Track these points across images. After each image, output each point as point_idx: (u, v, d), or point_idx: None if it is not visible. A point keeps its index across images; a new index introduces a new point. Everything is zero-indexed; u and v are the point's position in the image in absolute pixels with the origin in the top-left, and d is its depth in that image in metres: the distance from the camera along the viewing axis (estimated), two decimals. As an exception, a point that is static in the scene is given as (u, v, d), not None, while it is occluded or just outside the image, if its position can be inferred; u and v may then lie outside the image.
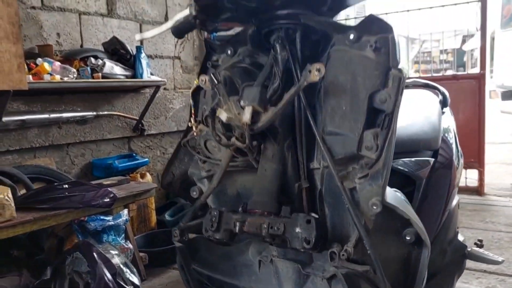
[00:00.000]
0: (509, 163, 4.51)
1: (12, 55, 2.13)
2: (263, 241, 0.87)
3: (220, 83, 0.84)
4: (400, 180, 1.24)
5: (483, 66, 3.71)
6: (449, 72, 4.54)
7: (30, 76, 2.30)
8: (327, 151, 0.76)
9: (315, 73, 0.73)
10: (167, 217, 3.14)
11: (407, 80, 1.97)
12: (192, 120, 0.96)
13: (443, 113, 1.66)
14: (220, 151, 0.89)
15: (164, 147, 3.47)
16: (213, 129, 0.81)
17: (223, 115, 0.77)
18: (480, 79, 3.67)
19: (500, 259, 1.47)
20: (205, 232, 0.84)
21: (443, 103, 1.71)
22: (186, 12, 0.94)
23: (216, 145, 0.90)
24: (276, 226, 0.76)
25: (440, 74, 4.15)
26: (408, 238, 0.83)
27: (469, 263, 2.25)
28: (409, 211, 0.80)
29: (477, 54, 4.38)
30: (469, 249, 1.41)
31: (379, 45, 0.77)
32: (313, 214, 0.82)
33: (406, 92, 1.81)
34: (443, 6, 3.74)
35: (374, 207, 0.75)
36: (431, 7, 3.82)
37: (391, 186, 1.11)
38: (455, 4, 3.78)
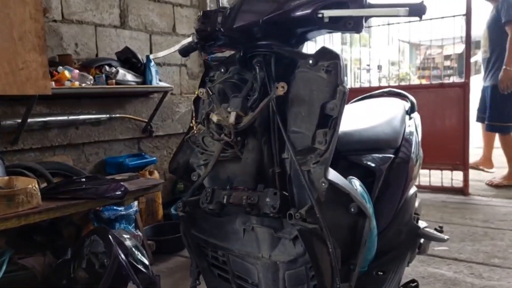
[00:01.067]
0: (497, 166, 4.76)
1: (38, 64, 2.44)
2: (244, 211, 1.16)
3: (214, 94, 1.13)
4: (363, 172, 1.52)
5: (467, 75, 3.98)
6: (452, 79, 4.81)
7: (53, 83, 2.60)
8: (290, 145, 1.05)
9: (280, 89, 1.02)
10: (173, 211, 3.42)
11: (384, 90, 2.26)
12: (193, 121, 1.25)
13: (410, 118, 1.95)
14: (214, 145, 1.18)
15: (171, 148, 3.77)
16: (207, 128, 1.10)
17: (214, 118, 1.06)
18: (464, 87, 3.94)
19: (446, 237, 1.74)
20: (201, 205, 1.12)
21: (411, 110, 1.99)
22: (189, 39, 1.24)
23: (211, 140, 1.18)
24: (253, 197, 1.04)
25: (429, 83, 4.42)
26: (353, 210, 1.11)
27: (443, 253, 2.53)
28: (349, 188, 1.08)
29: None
30: (420, 230, 1.69)
31: (330, 68, 1.06)
32: (284, 192, 1.10)
33: (378, 100, 2.10)
34: (430, 19, 4.01)
35: (323, 184, 1.03)
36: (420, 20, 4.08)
37: (356, 176, 1.40)
38: (442, 18, 4.05)
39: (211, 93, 1.12)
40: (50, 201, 2.26)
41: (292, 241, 1.11)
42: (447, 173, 4.12)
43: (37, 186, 2.18)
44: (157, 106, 3.39)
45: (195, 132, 1.21)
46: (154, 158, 3.46)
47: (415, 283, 1.72)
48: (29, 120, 2.63)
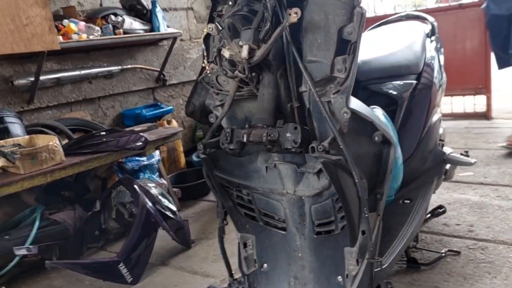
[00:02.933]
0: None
1: (42, 18, 2.38)
2: (266, 148, 1.14)
3: (224, 29, 1.07)
4: (385, 101, 1.47)
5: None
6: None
7: (60, 37, 2.55)
8: (308, 75, 1.00)
9: (293, 15, 0.95)
10: (194, 158, 3.46)
11: (401, 13, 2.13)
12: (205, 61, 1.20)
13: (431, 41, 1.85)
14: (228, 83, 1.14)
15: (186, 95, 3.73)
16: (220, 66, 1.05)
17: (226, 53, 1.00)
18: (486, 5, 3.71)
19: (473, 160, 1.70)
20: (222, 145, 1.10)
21: (432, 32, 1.88)
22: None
23: (225, 79, 1.14)
24: (273, 134, 1.01)
25: (447, 4, 4.18)
26: (376, 138, 1.08)
27: (468, 178, 2.51)
28: (372, 116, 1.04)
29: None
30: (446, 155, 1.65)
31: None
32: (304, 126, 1.06)
33: (395, 25, 2.00)
34: None
35: (345, 114, 0.99)
36: None
37: (378, 105, 1.35)
38: None
39: (220, 28, 1.05)
40: (73, 157, 2.29)
41: (316, 175, 1.09)
42: (469, 99, 4.00)
43: (58, 142, 2.20)
44: (168, 53, 3.32)
45: (208, 72, 1.17)
46: (171, 107, 3.45)
47: (443, 209, 1.71)
48: (41, 77, 2.61)
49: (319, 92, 1.01)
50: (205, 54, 1.22)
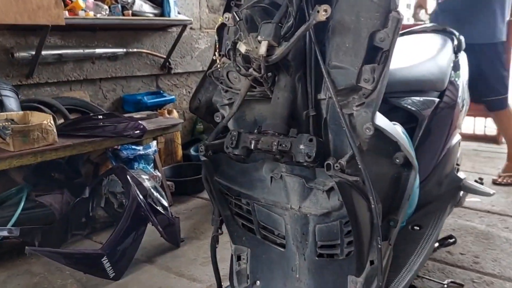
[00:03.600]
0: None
1: (49, -9, 2.26)
2: (273, 157, 1.03)
3: (241, 20, 0.96)
4: (404, 117, 1.36)
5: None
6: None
7: (66, 12, 2.43)
8: (330, 82, 0.89)
9: (322, 13, 0.84)
10: (192, 152, 3.35)
11: (427, 25, 2.02)
12: (216, 53, 1.09)
13: (456, 58, 1.73)
14: (240, 81, 1.03)
15: (190, 86, 3.62)
16: (233, 61, 0.94)
17: (242, 48, 0.89)
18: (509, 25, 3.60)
19: (491, 191, 1.60)
20: (226, 149, 0.99)
21: (458, 48, 1.77)
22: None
23: (236, 76, 1.03)
24: (284, 143, 0.90)
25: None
26: (397, 160, 0.97)
27: (475, 205, 2.40)
28: (397, 135, 0.93)
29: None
30: (463, 182, 1.55)
31: None
32: (320, 139, 0.96)
33: (421, 36, 1.88)
34: None
35: (367, 131, 0.88)
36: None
37: (396, 121, 1.24)
38: None
39: (238, 19, 0.94)
40: (66, 138, 2.18)
41: (326, 193, 0.99)
42: (480, 120, 3.90)
43: (52, 122, 2.09)
44: (176, 41, 3.20)
45: (218, 66, 1.06)
46: (173, 96, 3.34)
47: (453, 239, 1.61)
48: (43, 52, 2.50)
49: (341, 102, 0.90)
50: (217, 45, 1.10)
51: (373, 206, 0.88)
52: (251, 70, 0.92)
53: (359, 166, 0.86)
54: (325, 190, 0.98)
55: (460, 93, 1.56)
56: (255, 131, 1.00)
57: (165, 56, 3.23)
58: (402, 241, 1.29)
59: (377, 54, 0.89)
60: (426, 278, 1.67)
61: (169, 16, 2.95)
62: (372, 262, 0.98)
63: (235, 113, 1.03)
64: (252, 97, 1.05)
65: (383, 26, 0.87)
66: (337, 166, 0.85)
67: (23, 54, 2.47)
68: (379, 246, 0.90)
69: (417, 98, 1.39)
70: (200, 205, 2.71)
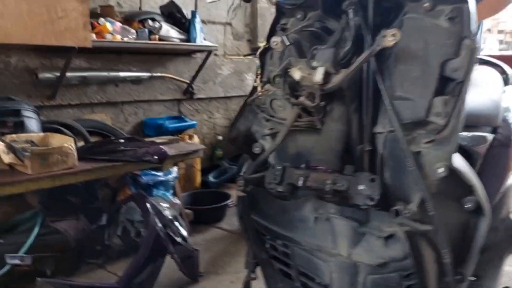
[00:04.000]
0: None
1: (78, 13, 2.24)
2: (324, 197, 0.92)
3: (292, 44, 0.87)
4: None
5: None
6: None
7: (93, 35, 2.40)
8: (395, 114, 0.78)
9: (389, 38, 0.74)
10: (211, 178, 3.26)
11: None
12: (258, 80, 0.99)
13: (504, 92, 1.62)
14: (285, 110, 0.93)
15: (211, 112, 3.56)
16: (283, 88, 0.84)
17: (296, 74, 0.80)
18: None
19: (552, 240, 1.44)
20: (267, 185, 0.89)
21: (505, 82, 1.66)
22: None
23: (281, 105, 0.93)
24: (340, 182, 0.80)
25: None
26: (468, 205, 0.85)
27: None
28: (473, 178, 0.82)
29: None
30: (521, 228, 1.40)
31: (454, 14, 0.77)
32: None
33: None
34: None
35: (439, 171, 0.77)
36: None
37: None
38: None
39: (288, 43, 0.85)
40: (86, 162, 2.09)
41: (383, 240, 0.86)
42: None
43: (73, 145, 2.01)
44: (200, 66, 3.16)
45: (260, 93, 0.96)
46: (195, 122, 3.27)
47: (510, 292, 1.45)
48: (67, 74, 2.46)
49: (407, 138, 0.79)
50: (258, 72, 1.01)
51: (445, 260, 0.75)
52: (302, 98, 0.82)
53: (429, 213, 0.75)
54: (382, 236, 0.86)
55: (514, 129, 1.43)
56: (303, 166, 0.89)
57: (188, 81, 3.19)
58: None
59: (448, 86, 0.78)
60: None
61: (195, 41, 2.91)
62: (436, 324, 0.85)
63: (278, 145, 0.92)
64: (297, 127, 0.95)
65: (455, 55, 0.77)
66: (406, 213, 0.73)
67: (48, 75, 2.43)
68: (451, 307, 0.77)
69: (471, 133, 1.27)
70: (220, 236, 2.59)
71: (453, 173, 0.81)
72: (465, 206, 0.85)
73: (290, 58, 0.86)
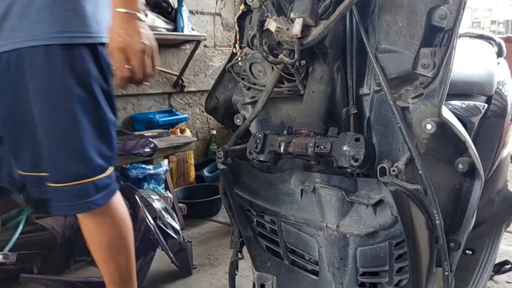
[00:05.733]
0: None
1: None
2: (304, 166, 0.86)
3: (268, 0, 0.81)
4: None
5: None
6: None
7: (76, 26, 2.33)
8: (380, 69, 0.73)
9: (371, -16, 0.69)
10: (205, 173, 3.19)
11: (460, 31, 1.86)
12: (236, 45, 0.94)
13: (498, 63, 1.57)
14: (266, 75, 0.88)
15: (203, 105, 3.49)
16: (260, 45, 0.79)
17: (272, 26, 0.74)
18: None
19: (553, 211, 1.39)
20: (249, 155, 0.83)
21: (499, 54, 1.61)
22: None
23: (261, 69, 0.87)
24: (323, 145, 0.74)
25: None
26: (460, 167, 0.79)
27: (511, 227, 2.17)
28: (465, 134, 0.76)
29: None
30: (519, 200, 1.35)
31: None
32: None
33: (461, 40, 1.72)
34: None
35: (428, 127, 0.71)
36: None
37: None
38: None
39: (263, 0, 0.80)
40: (72, 156, 2.03)
41: (372, 208, 0.81)
42: None
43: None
44: (189, 58, 3.09)
45: (239, 59, 0.90)
46: (186, 115, 3.20)
47: (510, 265, 1.40)
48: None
49: (393, 94, 0.73)
50: (237, 37, 0.95)
51: (437, 222, 0.70)
52: (281, 56, 0.76)
53: (419, 172, 0.69)
54: (370, 204, 0.80)
55: (510, 100, 1.38)
56: (285, 132, 0.83)
57: (178, 74, 3.12)
58: (455, 269, 1.09)
59: (436, 36, 0.73)
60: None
61: (182, 31, 2.84)
62: (431, 294, 0.79)
63: (260, 112, 0.86)
64: (279, 94, 0.89)
65: (443, 1, 0.71)
66: (393, 171, 0.68)
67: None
68: (446, 272, 0.71)
69: (465, 102, 1.22)
70: (214, 229, 2.53)
71: (443, 134, 0.75)
72: (458, 168, 0.79)
73: (267, 14, 0.80)
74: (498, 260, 1.32)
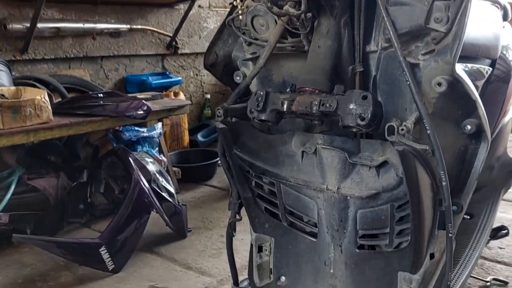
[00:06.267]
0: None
1: (46, -45, 2.06)
2: (305, 127, 0.84)
3: None
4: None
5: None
6: None
7: (64, -19, 2.23)
8: (390, 23, 0.69)
9: None
10: (200, 137, 3.16)
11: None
12: (237, -2, 0.89)
13: (503, 27, 1.53)
14: (268, 30, 0.83)
15: (198, 68, 3.42)
16: (264, -6, 0.74)
17: (278, -27, 0.69)
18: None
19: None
20: (250, 114, 0.80)
21: (504, 17, 1.56)
22: None
23: (264, 23, 0.83)
24: (329, 103, 0.71)
25: None
26: (468, 128, 0.77)
27: (507, 195, 2.19)
28: (476, 93, 0.74)
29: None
30: (519, 165, 1.35)
31: None
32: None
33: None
34: None
35: (438, 86, 0.68)
36: None
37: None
38: None
39: None
40: (63, 117, 1.98)
41: (375, 170, 0.79)
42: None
43: (47, 98, 1.89)
44: (183, 18, 3.00)
45: (240, 12, 0.86)
46: (180, 78, 3.14)
47: (506, 231, 1.41)
48: (39, 25, 2.30)
49: (404, 50, 0.70)
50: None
51: (444, 183, 0.68)
52: (286, 7, 0.72)
53: (428, 132, 0.67)
54: (373, 166, 0.78)
55: (513, 65, 1.35)
56: (288, 90, 0.80)
57: (171, 35, 3.03)
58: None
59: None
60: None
61: (175, -11, 2.74)
62: (432, 256, 0.79)
63: (261, 68, 0.82)
64: (282, 50, 0.85)
65: None
66: (402, 130, 0.65)
67: (17, 26, 2.27)
68: (450, 235, 0.70)
69: (468, 65, 1.18)
70: (209, 193, 2.52)
71: (452, 93, 0.72)
72: (465, 130, 0.77)
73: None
74: (494, 225, 1.32)
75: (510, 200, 2.20)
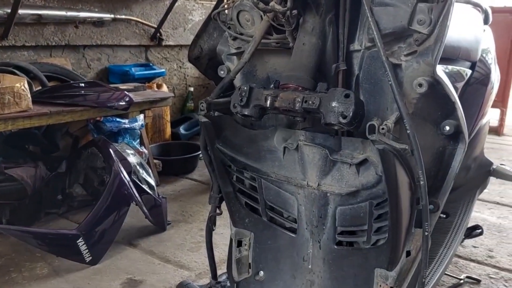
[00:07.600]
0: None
1: None
2: (287, 124, 0.84)
3: None
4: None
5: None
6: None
7: (47, -34, 2.18)
8: (374, 23, 0.70)
9: None
10: (182, 130, 3.15)
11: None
12: (224, -8, 0.89)
13: (484, 30, 1.56)
14: (253, 25, 0.83)
15: (182, 61, 3.40)
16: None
17: (265, -32, 0.69)
18: (516, 13, 3.45)
19: (526, 178, 1.44)
20: (233, 108, 0.80)
21: (485, 21, 1.59)
22: None
23: (249, 18, 0.83)
24: (311, 100, 0.71)
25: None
26: (447, 128, 0.79)
27: (482, 195, 2.24)
28: (456, 96, 0.75)
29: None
30: (494, 167, 1.38)
31: None
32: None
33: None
34: None
35: (419, 87, 0.70)
36: None
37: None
38: None
39: None
40: (42, 106, 1.95)
41: (355, 167, 0.80)
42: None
43: (26, 86, 1.85)
44: (168, 10, 2.97)
45: (226, 6, 0.85)
46: (163, 70, 3.11)
47: (480, 230, 1.44)
48: (20, 11, 2.25)
49: (386, 50, 0.71)
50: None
51: (422, 182, 0.69)
52: (272, 3, 0.72)
53: (408, 132, 0.68)
54: (354, 163, 0.79)
55: (492, 67, 1.38)
56: (271, 86, 0.80)
57: (155, 26, 3.00)
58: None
59: (435, -9, 0.70)
60: (441, 273, 1.50)
61: (161, -20, 2.71)
62: (408, 253, 0.80)
63: (246, 64, 0.82)
64: (267, 46, 0.85)
65: None
66: (382, 129, 0.66)
67: (-3, 11, 2.21)
68: (426, 233, 0.72)
69: (448, 67, 1.21)
70: (189, 187, 2.51)
71: (432, 95, 0.74)
72: (444, 130, 0.79)
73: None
74: (469, 224, 1.36)
75: (485, 200, 2.26)
